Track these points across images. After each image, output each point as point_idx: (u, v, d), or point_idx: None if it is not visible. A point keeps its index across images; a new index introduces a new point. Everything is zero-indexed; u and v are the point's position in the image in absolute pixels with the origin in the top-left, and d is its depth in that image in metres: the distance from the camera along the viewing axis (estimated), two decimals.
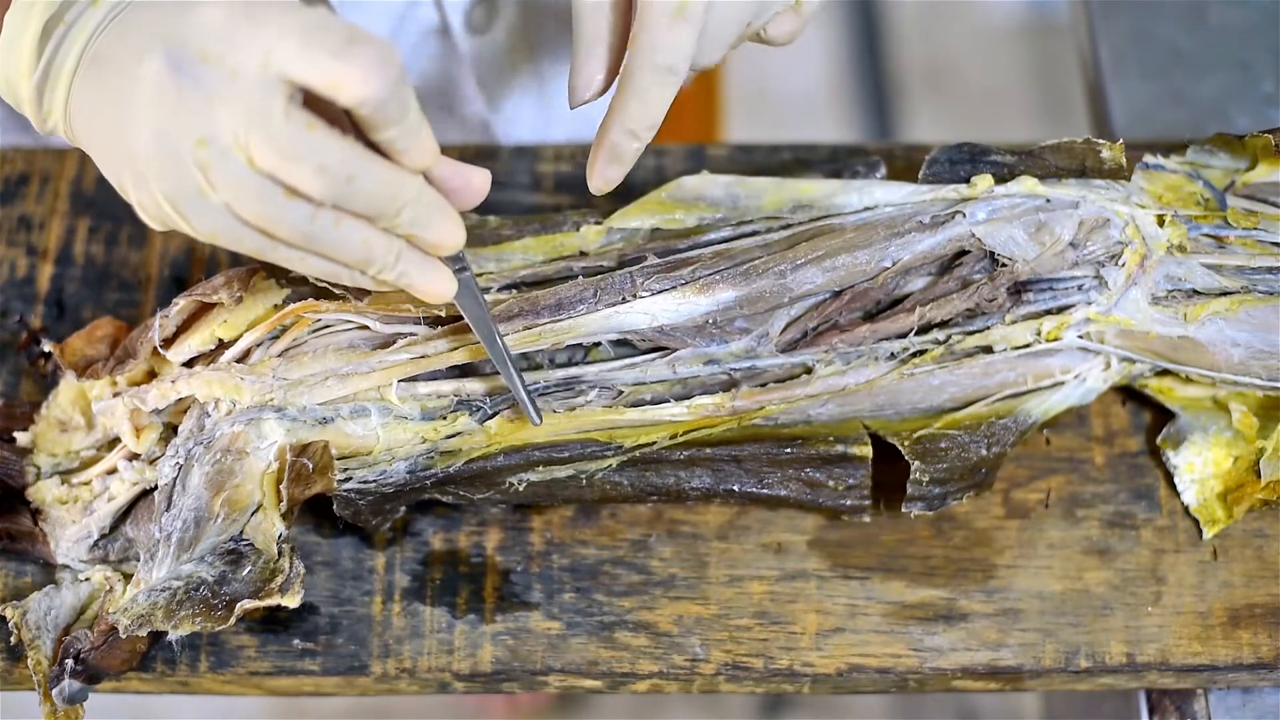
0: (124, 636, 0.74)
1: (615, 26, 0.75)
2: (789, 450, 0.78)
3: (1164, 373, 0.83)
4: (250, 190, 0.63)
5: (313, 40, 0.62)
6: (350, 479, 0.76)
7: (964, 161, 0.81)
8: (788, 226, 0.80)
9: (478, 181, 0.69)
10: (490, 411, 0.77)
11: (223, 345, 0.77)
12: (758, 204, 0.80)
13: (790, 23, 0.78)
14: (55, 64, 0.67)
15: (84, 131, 0.67)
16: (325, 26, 0.62)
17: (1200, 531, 0.81)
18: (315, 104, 0.64)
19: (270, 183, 0.63)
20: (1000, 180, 0.80)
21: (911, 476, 0.78)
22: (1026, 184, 0.79)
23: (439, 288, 0.69)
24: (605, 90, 0.75)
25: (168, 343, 0.77)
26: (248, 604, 0.73)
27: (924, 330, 0.80)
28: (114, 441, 0.79)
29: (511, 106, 0.99)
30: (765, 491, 0.79)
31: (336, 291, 0.76)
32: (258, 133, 0.62)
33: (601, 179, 0.75)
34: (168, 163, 0.63)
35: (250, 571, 0.75)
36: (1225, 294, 0.80)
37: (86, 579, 0.78)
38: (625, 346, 0.79)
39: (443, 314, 0.77)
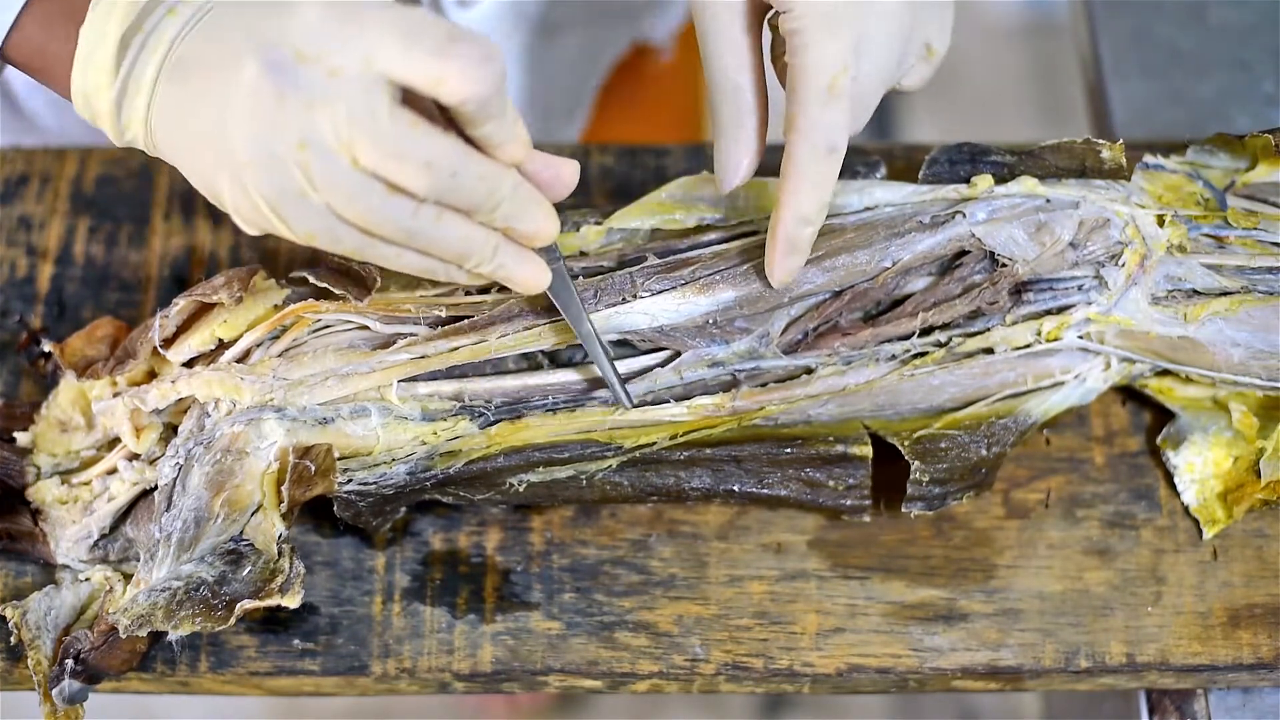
0: (124, 636, 0.74)
1: (755, 106, 0.74)
2: (789, 450, 0.78)
3: (1164, 373, 0.83)
4: (354, 189, 0.63)
5: (413, 39, 0.62)
6: (350, 480, 0.76)
7: (964, 161, 0.81)
8: None
9: (568, 173, 0.69)
10: (492, 417, 0.77)
11: (223, 345, 0.77)
12: (758, 204, 0.80)
13: (923, 71, 0.77)
14: (135, 74, 0.66)
15: (169, 140, 0.66)
16: (425, 25, 0.62)
17: (1200, 531, 0.81)
18: (409, 99, 0.64)
19: (373, 181, 0.63)
20: (1000, 180, 0.80)
21: (911, 476, 0.78)
22: (1026, 184, 0.79)
23: (536, 278, 0.70)
24: (753, 171, 0.76)
25: (168, 343, 0.77)
26: (248, 604, 0.73)
27: (925, 332, 0.80)
28: (114, 441, 0.79)
29: None
30: (765, 491, 0.79)
31: (337, 291, 0.76)
32: (362, 132, 0.62)
33: (784, 270, 0.75)
34: (268, 166, 0.63)
35: (250, 571, 0.75)
36: (1225, 294, 0.80)
37: (86, 579, 0.78)
38: (625, 346, 0.79)
39: (443, 314, 0.77)
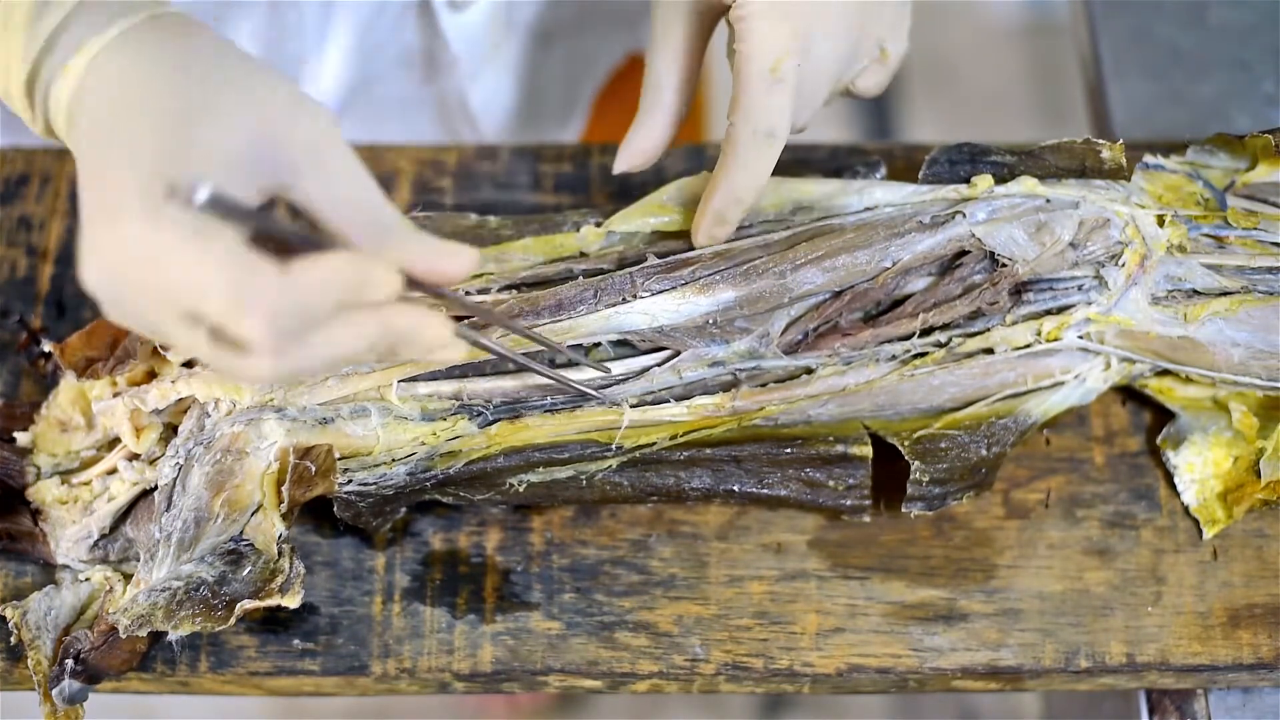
0: (124, 636, 0.74)
1: (671, 104, 0.75)
2: (789, 450, 0.78)
3: (1164, 373, 0.83)
4: (220, 364, 0.63)
5: (205, 303, 0.60)
6: (350, 481, 0.76)
7: (964, 161, 0.81)
8: (789, 228, 0.80)
9: (454, 268, 0.65)
10: (491, 417, 0.77)
11: None
12: (758, 204, 0.80)
13: (876, 74, 0.78)
14: (47, 107, 0.66)
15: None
16: (215, 287, 0.60)
17: (1200, 531, 0.81)
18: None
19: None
20: (1000, 180, 0.80)
21: (911, 476, 0.78)
22: (1026, 184, 0.79)
23: (446, 356, 0.66)
24: (651, 161, 0.76)
25: None
26: (248, 604, 0.73)
27: (925, 332, 0.80)
28: (114, 441, 0.79)
29: (491, 80, 0.99)
30: (765, 491, 0.79)
31: None
32: (188, 353, 0.63)
33: (707, 238, 0.77)
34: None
35: (250, 572, 0.75)
36: (1225, 294, 0.80)
37: (86, 579, 0.78)
38: (625, 346, 0.79)
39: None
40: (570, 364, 0.77)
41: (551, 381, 0.76)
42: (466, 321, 0.73)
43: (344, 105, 0.96)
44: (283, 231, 0.62)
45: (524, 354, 0.74)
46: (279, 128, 0.63)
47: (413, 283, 0.64)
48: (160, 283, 0.60)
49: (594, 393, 0.76)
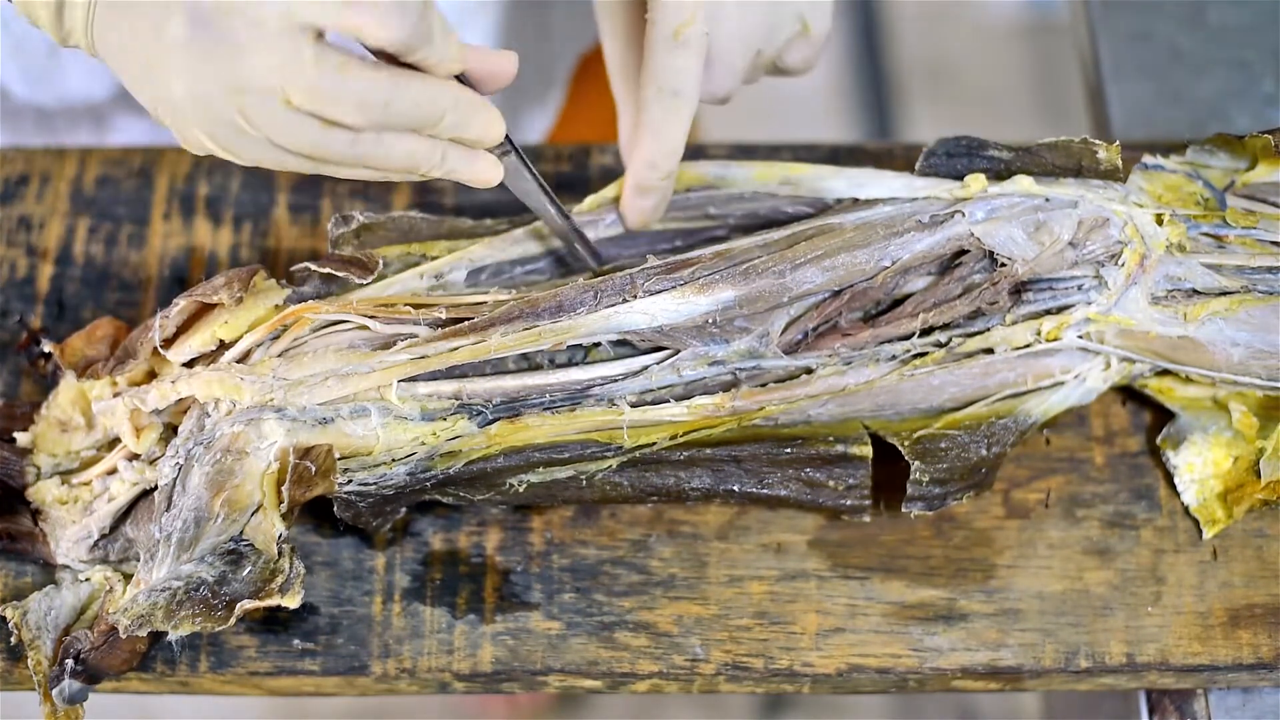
0: (124, 636, 0.74)
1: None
2: (789, 450, 0.78)
3: (1164, 373, 0.83)
4: (290, 127, 0.65)
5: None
6: (350, 481, 0.76)
7: (961, 155, 0.81)
8: (787, 224, 0.80)
9: (505, 67, 0.70)
10: (491, 416, 0.77)
11: (223, 345, 0.77)
12: (747, 174, 0.80)
13: (803, 50, 0.79)
14: None
15: (112, 59, 0.68)
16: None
17: (1200, 531, 0.81)
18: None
19: (309, 119, 0.65)
20: (997, 176, 0.80)
21: (911, 476, 0.78)
22: (1022, 184, 0.79)
23: (487, 175, 0.71)
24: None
25: (168, 343, 0.77)
26: (248, 604, 0.73)
27: (925, 332, 0.80)
28: (114, 441, 0.79)
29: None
30: (765, 491, 0.79)
31: (340, 275, 0.77)
32: (291, 79, 0.64)
33: (633, 212, 0.79)
34: (205, 108, 0.65)
35: (250, 572, 0.75)
36: (1225, 294, 0.80)
37: (86, 579, 0.78)
38: (625, 346, 0.79)
39: (443, 315, 0.77)
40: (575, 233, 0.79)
41: (564, 230, 0.78)
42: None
43: None
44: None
45: (550, 200, 0.77)
46: None
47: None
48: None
49: (590, 259, 0.78)
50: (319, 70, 0.64)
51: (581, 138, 0.88)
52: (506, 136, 0.72)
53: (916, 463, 0.78)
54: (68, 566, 0.79)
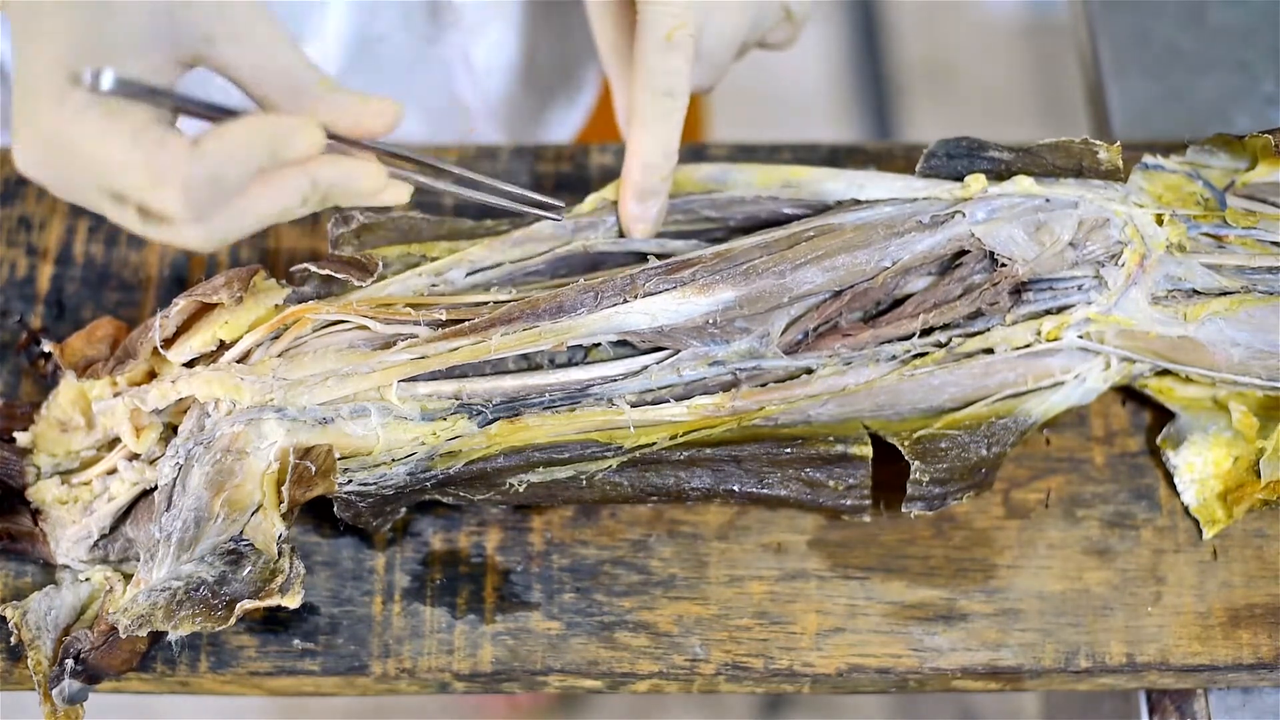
0: (124, 636, 0.74)
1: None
2: (789, 450, 0.78)
3: (1164, 373, 0.83)
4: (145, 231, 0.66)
5: (120, 183, 0.63)
6: (350, 481, 0.76)
7: (962, 155, 0.81)
8: (785, 222, 0.80)
9: (378, 122, 0.66)
10: (491, 416, 0.77)
11: (223, 345, 0.77)
12: (748, 178, 0.80)
13: (785, 31, 0.81)
14: None
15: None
16: (127, 167, 0.63)
17: (1200, 531, 0.81)
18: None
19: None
20: (997, 177, 0.80)
21: (911, 476, 0.78)
22: (1022, 184, 0.79)
23: (387, 199, 0.68)
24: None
25: (168, 343, 0.77)
26: (248, 604, 0.73)
27: (925, 332, 0.80)
28: (114, 441, 0.79)
29: (495, 37, 0.99)
30: (765, 491, 0.79)
31: (340, 276, 0.77)
32: (124, 222, 0.65)
33: (635, 221, 0.78)
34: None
35: (250, 571, 0.75)
36: (1225, 294, 0.80)
37: (86, 579, 0.78)
38: (625, 346, 0.79)
39: (443, 316, 0.77)
40: (505, 195, 0.77)
41: (511, 208, 0.77)
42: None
43: (347, 66, 0.95)
44: (196, 105, 0.64)
45: (462, 183, 0.74)
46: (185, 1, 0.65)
47: (336, 140, 0.65)
48: (79, 164, 0.63)
49: (550, 215, 0.77)
50: (148, 228, 0.64)
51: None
52: (392, 154, 0.69)
53: (916, 463, 0.78)
54: (68, 566, 0.79)
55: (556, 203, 0.78)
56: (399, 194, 0.68)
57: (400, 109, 0.67)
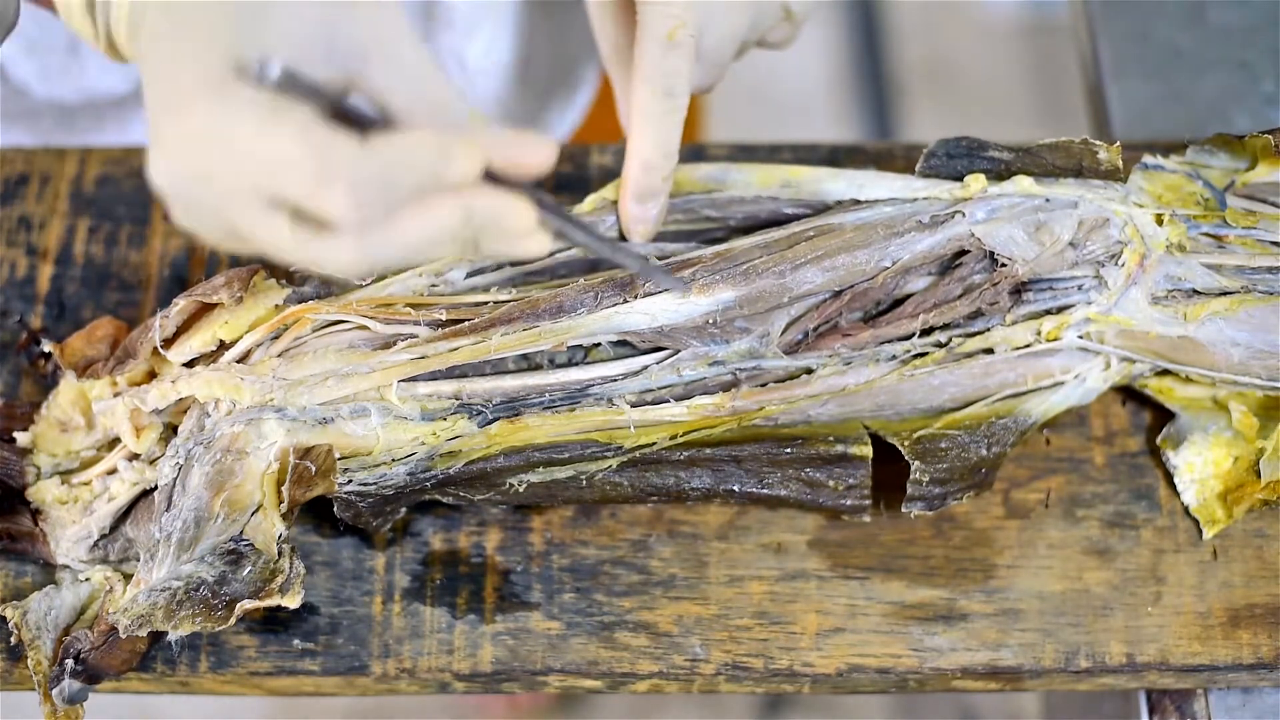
0: (124, 636, 0.74)
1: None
2: (789, 450, 0.78)
3: (1164, 373, 0.83)
4: (293, 253, 0.62)
5: (284, 180, 0.60)
6: (350, 481, 0.76)
7: (961, 155, 0.81)
8: (785, 222, 0.80)
9: (534, 159, 0.63)
10: (491, 416, 0.77)
11: (224, 345, 0.77)
12: (748, 179, 0.80)
13: (785, 30, 0.80)
14: (108, 19, 0.67)
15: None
16: (294, 162, 0.59)
17: (1200, 531, 0.81)
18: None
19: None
20: (997, 177, 0.80)
21: (911, 476, 0.78)
22: (1022, 184, 0.79)
23: (532, 250, 0.64)
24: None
25: (168, 343, 0.77)
26: (248, 604, 0.73)
27: (925, 332, 0.80)
28: (114, 441, 0.79)
29: (489, 36, 0.99)
30: (765, 491, 0.79)
31: (336, 291, 0.77)
32: (274, 247, 0.61)
33: (636, 223, 0.78)
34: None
35: (250, 571, 0.75)
36: (1225, 294, 0.80)
37: (86, 579, 0.78)
38: (625, 346, 0.79)
39: (443, 316, 0.77)
40: (649, 265, 0.75)
41: (639, 266, 0.73)
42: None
43: None
44: (359, 111, 0.61)
45: (603, 244, 0.71)
46: (345, 16, 0.61)
47: (489, 177, 0.62)
48: (235, 166, 0.59)
49: (673, 285, 0.76)
50: (299, 242, 0.60)
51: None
52: (541, 198, 0.65)
53: (916, 463, 0.78)
54: (68, 566, 0.79)
55: (684, 280, 0.76)
56: (541, 244, 0.64)
57: (555, 147, 0.63)
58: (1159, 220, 0.80)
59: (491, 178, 0.62)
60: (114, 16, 0.66)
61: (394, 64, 0.62)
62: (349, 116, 0.61)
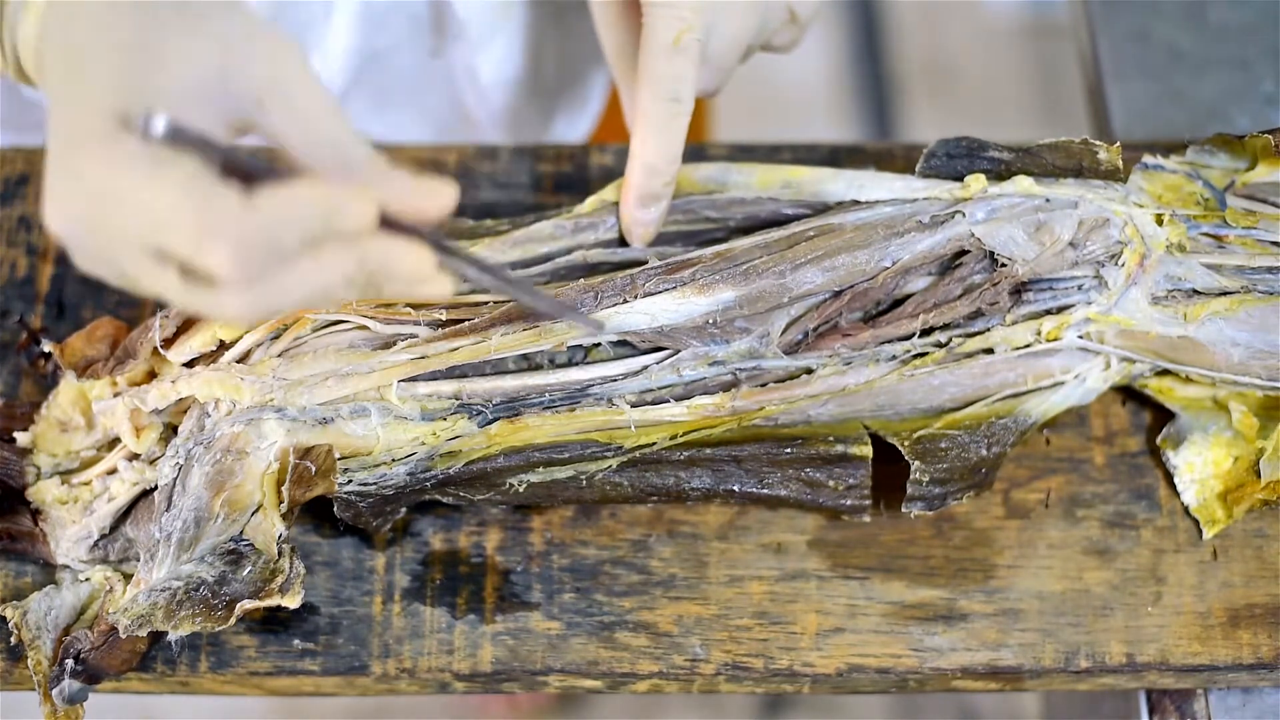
0: (124, 636, 0.74)
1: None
2: (789, 450, 0.78)
3: (1164, 373, 0.83)
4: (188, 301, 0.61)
5: (168, 236, 0.59)
6: (350, 481, 0.76)
7: (962, 156, 0.81)
8: (785, 223, 0.80)
9: (432, 205, 0.63)
10: (491, 416, 0.77)
11: (223, 345, 0.77)
12: (748, 179, 0.80)
13: (789, 33, 0.81)
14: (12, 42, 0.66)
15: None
16: (177, 218, 0.59)
17: (1200, 531, 0.81)
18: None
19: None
20: (997, 177, 0.80)
21: (911, 476, 0.78)
22: (1022, 184, 0.79)
23: (432, 290, 0.64)
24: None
25: (168, 343, 0.77)
26: (248, 604, 0.73)
27: (925, 332, 0.80)
28: (114, 441, 0.79)
29: (501, 50, 0.99)
30: (765, 491, 0.79)
31: None
32: (164, 292, 0.61)
33: (636, 226, 0.78)
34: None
35: (250, 572, 0.75)
36: (1225, 294, 0.80)
37: (86, 579, 0.78)
38: (625, 346, 0.79)
39: (443, 316, 0.77)
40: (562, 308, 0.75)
41: (552, 307, 0.74)
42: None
43: (353, 80, 0.95)
44: (247, 163, 0.61)
45: (509, 285, 0.72)
46: (240, 59, 0.61)
47: (386, 223, 0.62)
48: (122, 218, 0.59)
49: (589, 327, 0.75)
50: (188, 293, 0.60)
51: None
52: (437, 242, 0.64)
53: (916, 463, 0.78)
54: (68, 566, 0.79)
55: (597, 321, 0.75)
56: (443, 286, 0.63)
57: (454, 192, 0.63)
58: (1159, 220, 0.80)
59: (389, 223, 0.62)
60: (21, 49, 0.66)
61: (291, 105, 0.61)
62: (239, 168, 0.61)
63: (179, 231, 0.58)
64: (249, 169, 0.61)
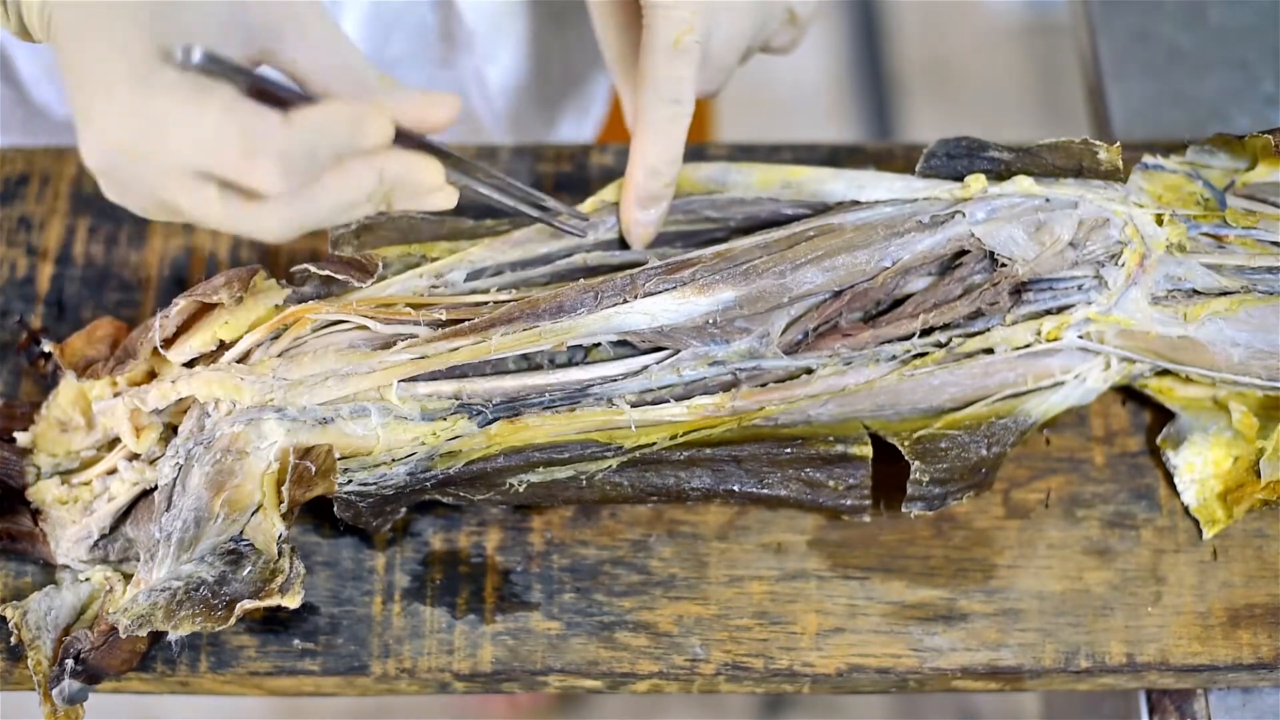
0: (124, 636, 0.74)
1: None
2: (789, 450, 0.78)
3: (1164, 373, 0.83)
4: (221, 220, 0.65)
5: (213, 155, 0.62)
6: (350, 481, 0.76)
7: (962, 155, 0.81)
8: (785, 223, 0.80)
9: (439, 116, 0.68)
10: (491, 416, 0.77)
11: (223, 346, 0.77)
12: (748, 180, 0.80)
13: (789, 34, 0.81)
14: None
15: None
16: (222, 138, 0.62)
17: (1200, 531, 0.81)
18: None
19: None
20: (997, 177, 0.80)
21: (911, 476, 0.78)
22: (1022, 184, 0.79)
23: (439, 201, 0.69)
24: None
25: (168, 343, 0.77)
26: (248, 604, 0.73)
27: (925, 332, 0.80)
28: (114, 441, 0.79)
29: (509, 58, 0.99)
30: (765, 491, 0.79)
31: (340, 278, 0.77)
32: (202, 216, 0.64)
33: (637, 227, 0.78)
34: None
35: (250, 572, 0.75)
36: (1225, 294, 0.80)
37: (86, 579, 0.78)
38: (625, 346, 0.79)
39: (443, 316, 0.77)
40: (551, 213, 0.77)
41: (541, 219, 0.76)
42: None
43: None
44: (276, 87, 0.65)
45: (512, 197, 0.75)
46: None
47: (400, 136, 0.66)
48: (166, 144, 0.62)
49: (574, 231, 0.78)
50: (227, 211, 0.64)
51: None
52: (448, 154, 0.70)
53: (916, 463, 0.78)
54: (68, 566, 0.79)
55: (583, 216, 0.78)
56: (449, 198, 0.69)
57: (459, 103, 0.68)
58: (1159, 220, 0.80)
59: (402, 138, 0.66)
60: (25, 10, 0.68)
61: (305, 37, 0.66)
62: (268, 93, 0.65)
63: (226, 149, 0.62)
64: (276, 93, 0.65)
